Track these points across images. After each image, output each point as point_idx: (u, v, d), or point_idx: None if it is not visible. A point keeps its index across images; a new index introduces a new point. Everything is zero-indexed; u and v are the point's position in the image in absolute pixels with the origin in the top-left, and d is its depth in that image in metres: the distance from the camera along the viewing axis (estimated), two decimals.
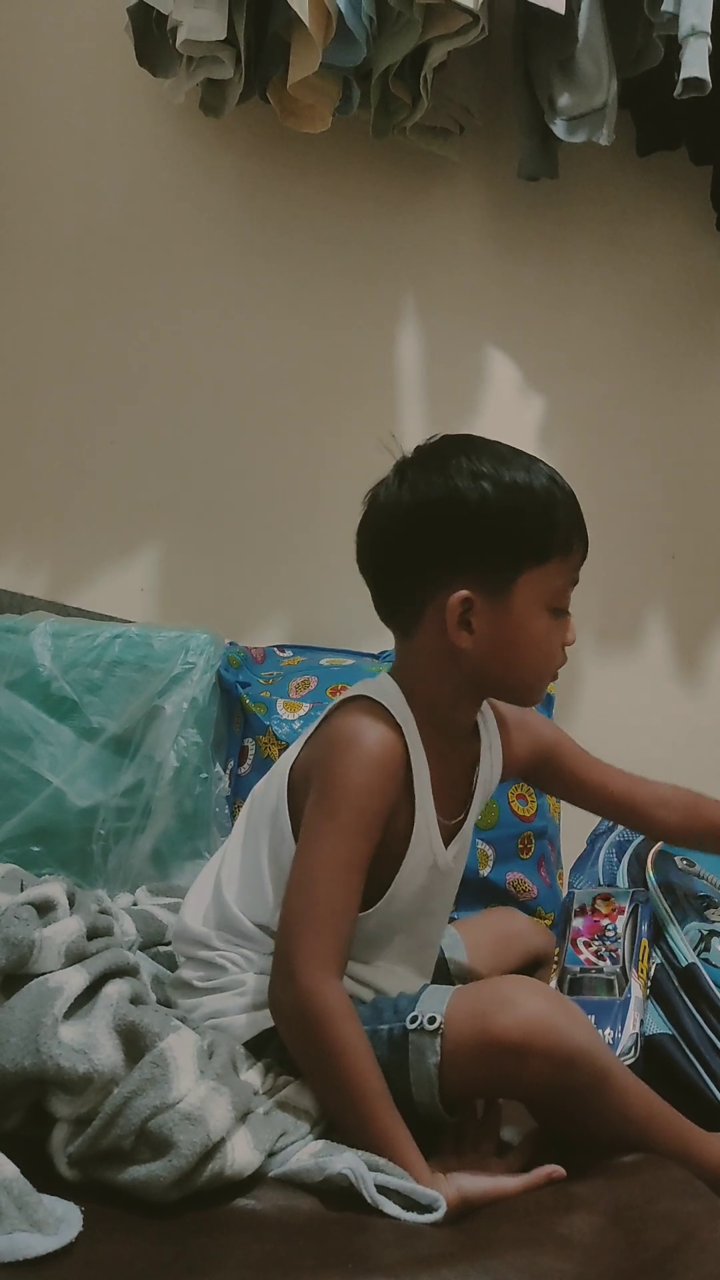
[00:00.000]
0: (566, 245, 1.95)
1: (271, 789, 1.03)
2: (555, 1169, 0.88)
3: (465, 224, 1.95)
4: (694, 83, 1.53)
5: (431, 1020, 0.91)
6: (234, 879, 1.03)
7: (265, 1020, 0.96)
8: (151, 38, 1.73)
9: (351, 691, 1.02)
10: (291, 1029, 0.90)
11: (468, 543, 0.96)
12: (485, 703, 1.08)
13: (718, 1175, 0.92)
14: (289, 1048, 0.91)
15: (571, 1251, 0.78)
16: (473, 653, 0.97)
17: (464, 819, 1.06)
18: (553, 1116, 0.94)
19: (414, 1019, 0.92)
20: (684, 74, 1.53)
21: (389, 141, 1.82)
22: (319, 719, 1.02)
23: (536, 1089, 0.90)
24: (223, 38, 1.62)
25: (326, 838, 0.93)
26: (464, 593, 0.95)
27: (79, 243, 1.99)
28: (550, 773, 1.16)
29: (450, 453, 0.98)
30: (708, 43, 1.53)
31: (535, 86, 1.73)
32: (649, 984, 1.17)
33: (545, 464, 0.99)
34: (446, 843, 1.03)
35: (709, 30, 1.53)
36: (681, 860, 1.33)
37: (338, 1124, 0.89)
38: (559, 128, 1.70)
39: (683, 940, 1.22)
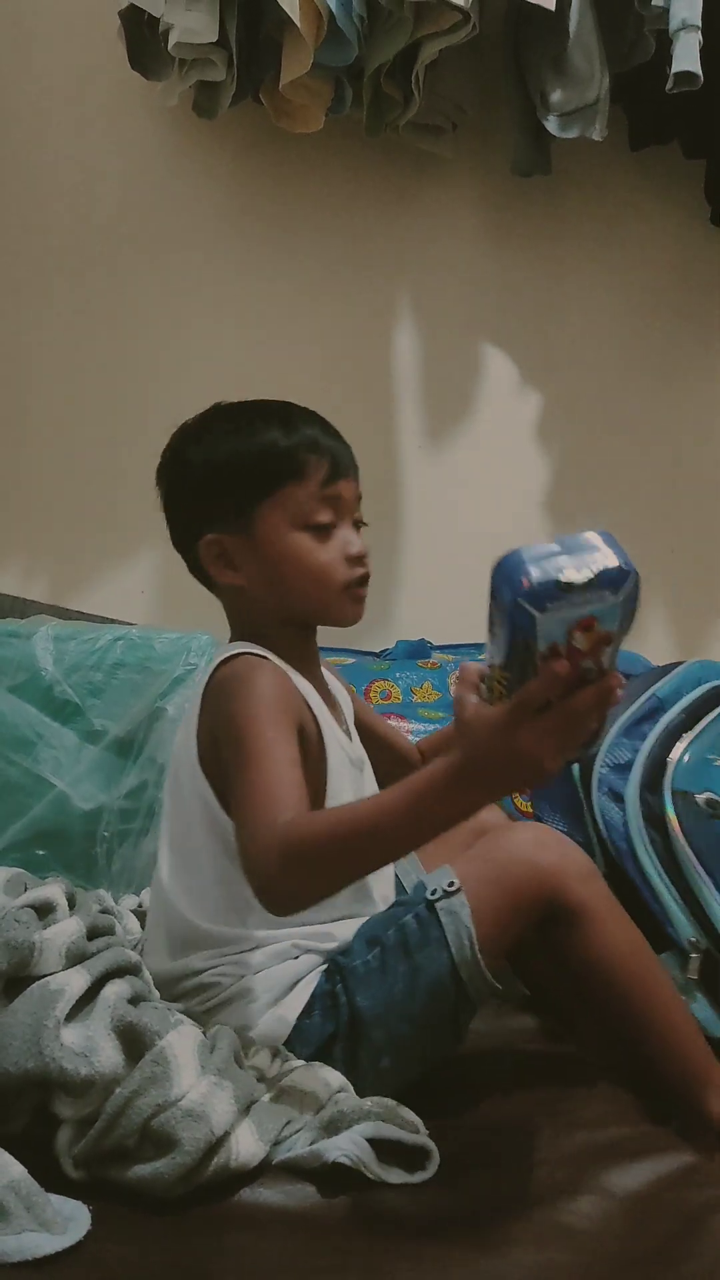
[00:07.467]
0: (561, 241, 1.95)
1: (186, 794, 1.04)
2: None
3: (459, 221, 1.96)
4: (685, 77, 1.53)
5: (451, 884, 0.97)
6: (184, 895, 1.03)
7: (291, 1013, 0.97)
8: (144, 41, 1.74)
9: (215, 663, 1.05)
10: (294, 879, 0.85)
11: (200, 498, 1.08)
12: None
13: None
14: (311, 898, 0.88)
15: (576, 1241, 0.78)
16: (251, 586, 1.07)
17: (347, 723, 1.14)
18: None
19: (433, 892, 0.97)
20: (675, 68, 1.53)
21: (382, 140, 1.82)
22: (197, 702, 1.05)
23: (556, 909, 0.97)
24: (214, 40, 1.62)
25: (256, 749, 0.93)
26: (208, 537, 1.07)
27: (75, 246, 2.00)
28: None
29: (185, 426, 1.12)
30: (698, 37, 1.53)
31: (527, 83, 1.73)
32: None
33: (278, 404, 1.09)
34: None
35: (699, 24, 1.53)
36: (703, 797, 1.25)
37: (382, 854, 0.86)
38: (552, 124, 1.70)
39: None
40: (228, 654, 1.05)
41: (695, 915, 1.19)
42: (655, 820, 1.23)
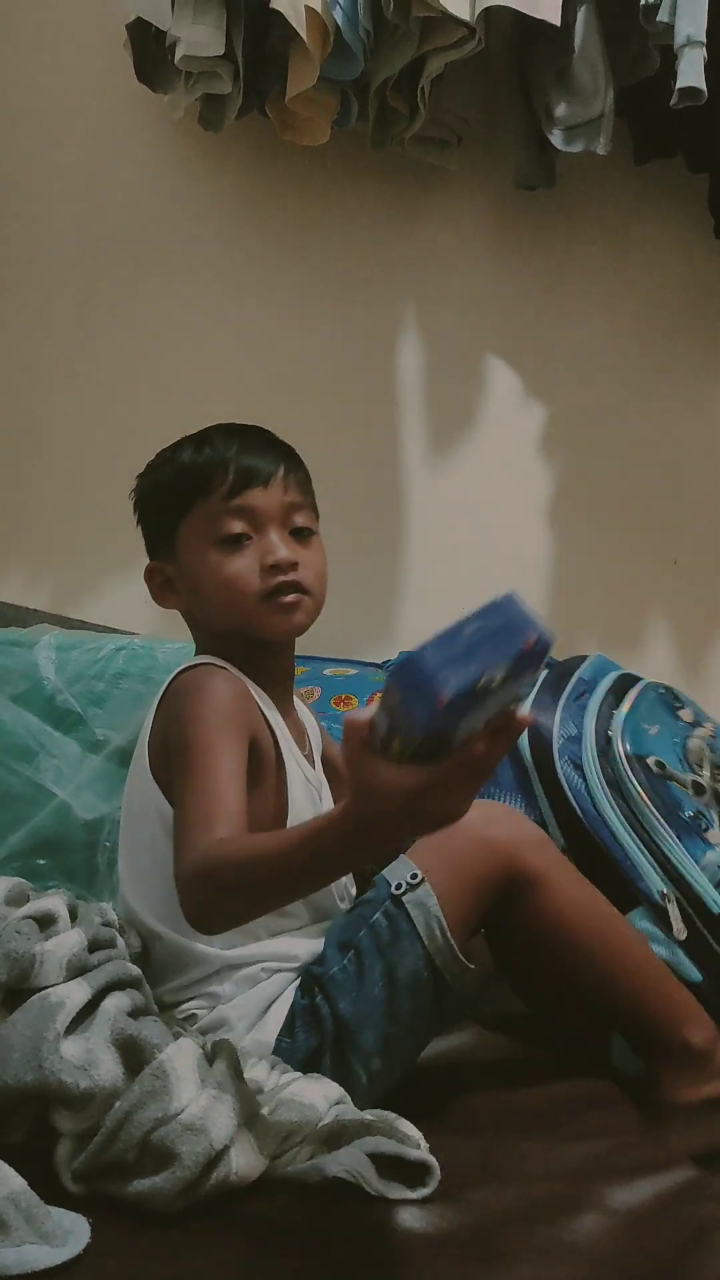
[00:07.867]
0: (565, 254, 1.95)
1: (140, 805, 1.04)
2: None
3: (464, 234, 1.96)
4: (689, 92, 1.53)
5: (414, 876, 0.98)
6: (143, 904, 1.02)
7: (269, 1035, 0.97)
8: (150, 54, 1.75)
9: (173, 673, 1.07)
10: (202, 901, 0.84)
11: (143, 529, 1.13)
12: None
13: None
14: (220, 922, 0.87)
15: (577, 1257, 0.78)
16: (190, 608, 1.11)
17: (312, 751, 1.13)
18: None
19: (397, 886, 0.98)
20: (680, 83, 1.53)
21: (387, 153, 1.83)
22: (151, 712, 1.06)
23: (515, 881, 0.98)
24: (221, 53, 1.63)
25: (200, 758, 0.93)
26: (148, 565, 1.12)
27: (81, 257, 2.00)
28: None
29: None
30: (703, 52, 1.53)
31: (532, 97, 1.74)
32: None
33: (209, 428, 1.11)
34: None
35: (704, 40, 1.53)
36: (654, 761, 1.29)
37: (287, 891, 0.85)
38: (556, 137, 1.70)
39: (704, 880, 1.21)
40: (186, 665, 1.06)
41: (662, 867, 1.22)
42: (613, 783, 1.28)
